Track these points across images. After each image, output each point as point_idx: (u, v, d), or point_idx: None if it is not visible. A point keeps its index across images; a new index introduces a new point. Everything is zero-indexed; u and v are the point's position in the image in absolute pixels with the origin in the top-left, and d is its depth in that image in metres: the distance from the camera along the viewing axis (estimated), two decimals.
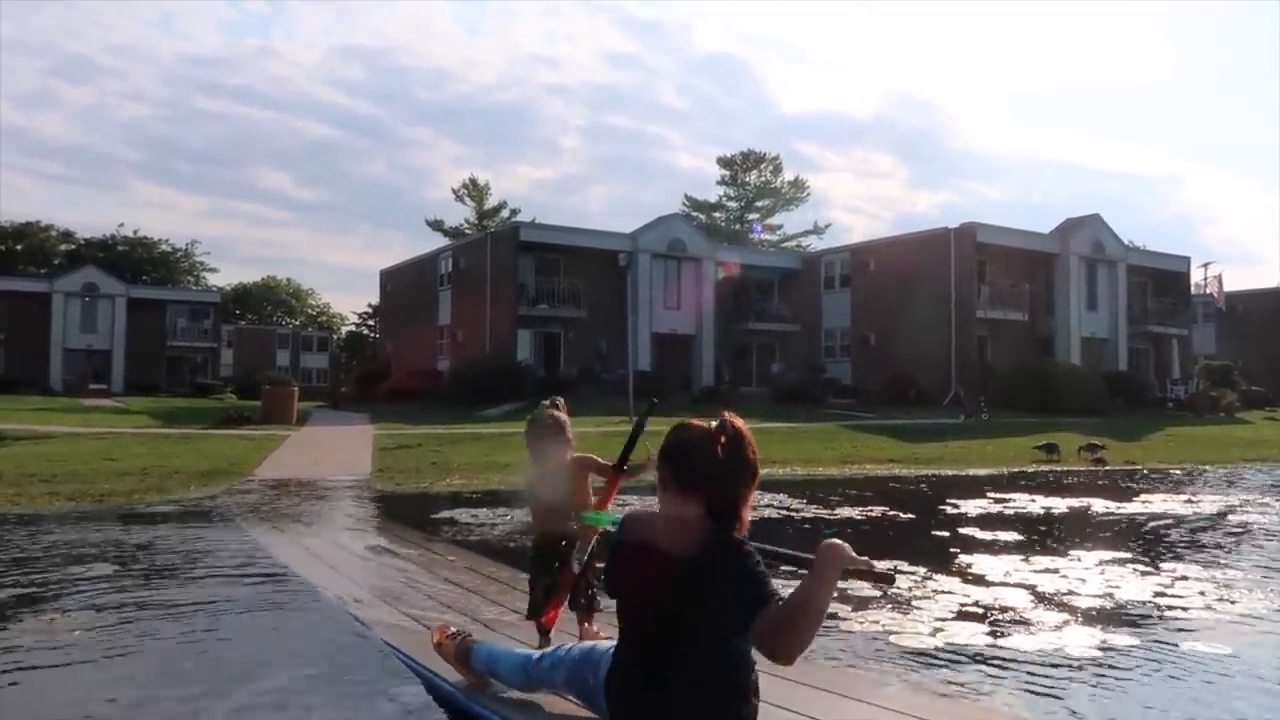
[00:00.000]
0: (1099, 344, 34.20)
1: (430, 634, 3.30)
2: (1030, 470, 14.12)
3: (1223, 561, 6.51)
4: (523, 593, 3.95)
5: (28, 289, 46.82)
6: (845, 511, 9.08)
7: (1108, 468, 14.81)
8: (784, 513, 8.85)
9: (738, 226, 61.64)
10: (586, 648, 2.70)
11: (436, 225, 60.93)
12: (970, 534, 7.50)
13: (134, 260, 62.57)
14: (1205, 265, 41.63)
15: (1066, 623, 4.55)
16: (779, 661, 2.14)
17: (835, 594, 2.14)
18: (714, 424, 2.29)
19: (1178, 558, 6.63)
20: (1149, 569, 6.03)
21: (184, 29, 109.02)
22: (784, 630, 2.06)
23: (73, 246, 62.98)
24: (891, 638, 4.20)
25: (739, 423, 2.28)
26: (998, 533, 7.58)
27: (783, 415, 22.20)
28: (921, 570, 5.78)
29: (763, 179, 63.29)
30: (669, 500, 2.33)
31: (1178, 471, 14.52)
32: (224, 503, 9.17)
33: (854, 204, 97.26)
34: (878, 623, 4.46)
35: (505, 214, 59.79)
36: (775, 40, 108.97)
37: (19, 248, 61.05)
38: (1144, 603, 5.05)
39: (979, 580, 5.56)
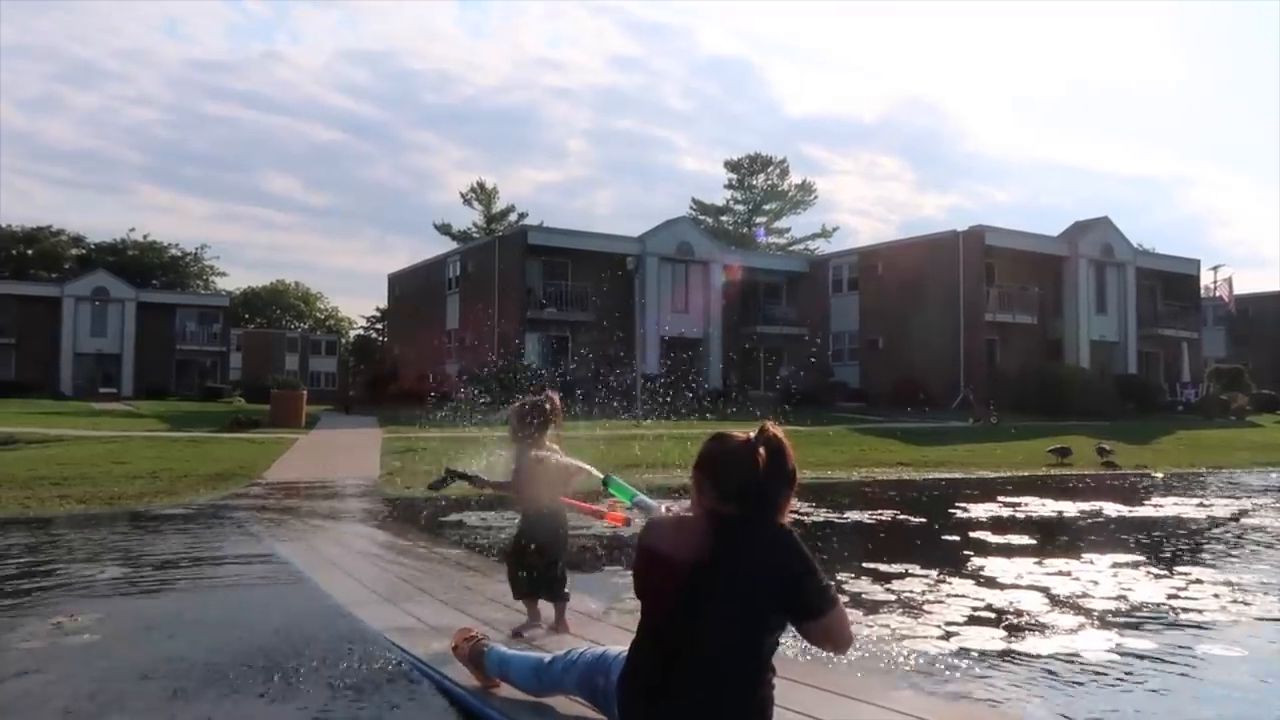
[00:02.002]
0: (1108, 347, 34.05)
1: (449, 638, 3.29)
2: (1041, 474, 14.05)
3: (1237, 564, 6.45)
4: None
5: (38, 293, 47.09)
6: (855, 515, 9.05)
7: (1119, 471, 14.73)
8: (792, 515, 8.79)
9: (745, 230, 61.62)
10: (598, 652, 2.68)
11: (444, 229, 61.02)
12: (982, 537, 7.45)
13: (144, 264, 62.79)
14: (1215, 268, 41.58)
15: (1081, 626, 4.51)
16: (841, 650, 2.29)
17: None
18: (752, 434, 2.23)
19: (1191, 560, 6.59)
20: (1162, 571, 5.98)
21: (189, 33, 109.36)
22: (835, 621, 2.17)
23: (83, 251, 63.26)
24: (904, 642, 4.16)
25: (778, 432, 2.23)
26: (1009, 536, 7.52)
27: (790, 419, 22.10)
28: (934, 573, 5.74)
29: (770, 182, 63.26)
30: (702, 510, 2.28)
31: (1189, 474, 14.42)
32: (232, 505, 9.17)
33: (861, 207, 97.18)
34: (888, 626, 4.43)
35: (513, 218, 59.82)
36: (780, 42, 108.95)
37: (30, 252, 61.41)
38: (1158, 605, 5.00)
39: (991, 583, 5.52)
